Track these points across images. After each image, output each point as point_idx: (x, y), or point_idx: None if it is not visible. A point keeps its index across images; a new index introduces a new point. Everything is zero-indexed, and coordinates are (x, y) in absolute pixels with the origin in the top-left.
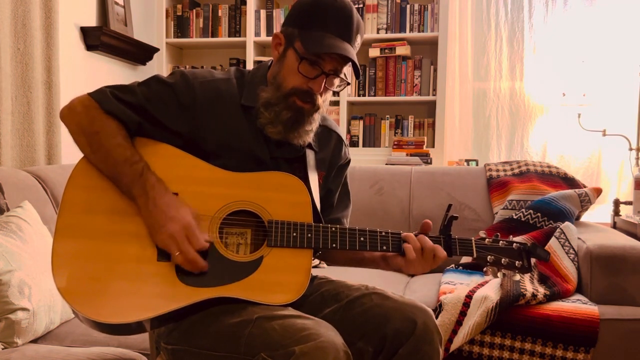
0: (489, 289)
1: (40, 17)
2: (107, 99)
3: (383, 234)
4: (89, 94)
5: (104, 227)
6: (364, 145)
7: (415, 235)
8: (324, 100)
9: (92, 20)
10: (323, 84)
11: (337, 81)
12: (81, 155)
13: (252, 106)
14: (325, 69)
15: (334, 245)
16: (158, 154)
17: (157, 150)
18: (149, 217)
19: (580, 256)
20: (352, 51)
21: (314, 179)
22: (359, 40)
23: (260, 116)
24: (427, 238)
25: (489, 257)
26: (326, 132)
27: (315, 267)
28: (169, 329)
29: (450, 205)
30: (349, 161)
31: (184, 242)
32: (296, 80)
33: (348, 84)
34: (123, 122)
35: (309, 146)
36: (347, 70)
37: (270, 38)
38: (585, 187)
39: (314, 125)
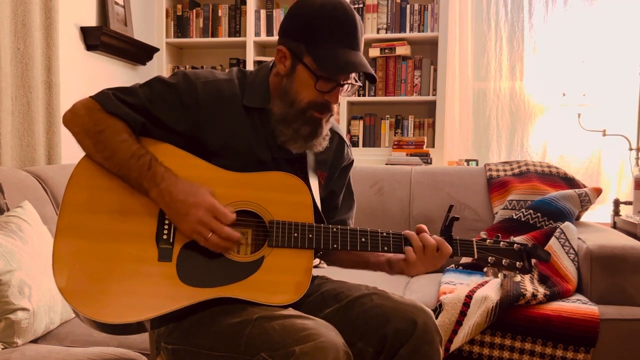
0: (489, 289)
1: (40, 17)
2: (109, 101)
3: (384, 234)
4: (91, 97)
5: (105, 227)
6: (364, 145)
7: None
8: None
9: (92, 20)
10: (339, 94)
11: (348, 86)
12: (81, 155)
13: (254, 107)
14: (340, 81)
15: (334, 245)
16: (160, 154)
17: (159, 150)
18: (167, 209)
19: (580, 256)
20: (365, 61)
21: (314, 179)
22: (363, 42)
23: (279, 134)
24: (428, 236)
25: (490, 257)
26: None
27: (316, 267)
28: (169, 329)
29: (451, 206)
30: (352, 162)
31: (213, 222)
32: (311, 95)
33: (360, 86)
34: (127, 122)
35: None
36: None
37: (270, 38)
38: (585, 187)
39: (328, 128)
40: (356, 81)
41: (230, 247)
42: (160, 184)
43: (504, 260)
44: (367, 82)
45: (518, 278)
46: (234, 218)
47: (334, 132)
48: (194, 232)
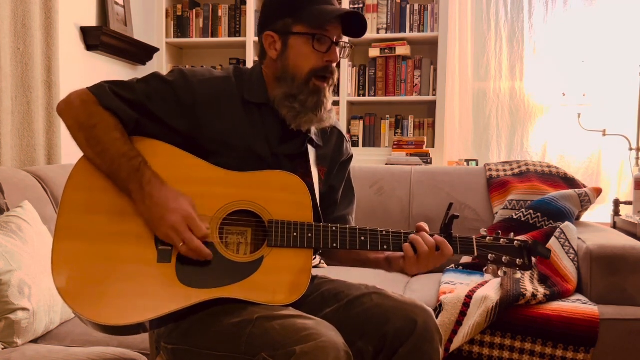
0: (489, 289)
1: (40, 17)
2: (105, 95)
3: (384, 233)
4: (88, 89)
5: (104, 227)
6: (364, 145)
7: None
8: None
9: (92, 20)
10: (337, 52)
11: (343, 45)
12: (81, 155)
13: (253, 102)
14: (332, 38)
15: (334, 245)
16: (157, 154)
17: (156, 150)
18: (146, 211)
19: (580, 256)
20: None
21: (315, 175)
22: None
23: (287, 112)
24: (427, 235)
25: (490, 255)
26: (328, 128)
27: (316, 267)
28: (169, 329)
29: (451, 204)
30: (351, 156)
31: (186, 232)
32: (312, 61)
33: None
34: (120, 118)
35: (311, 142)
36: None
37: None
38: (585, 187)
39: (330, 102)
40: (346, 43)
41: (199, 259)
42: (145, 187)
43: (504, 257)
44: (367, 84)
45: (518, 275)
46: (207, 234)
47: (333, 127)
48: (165, 236)
